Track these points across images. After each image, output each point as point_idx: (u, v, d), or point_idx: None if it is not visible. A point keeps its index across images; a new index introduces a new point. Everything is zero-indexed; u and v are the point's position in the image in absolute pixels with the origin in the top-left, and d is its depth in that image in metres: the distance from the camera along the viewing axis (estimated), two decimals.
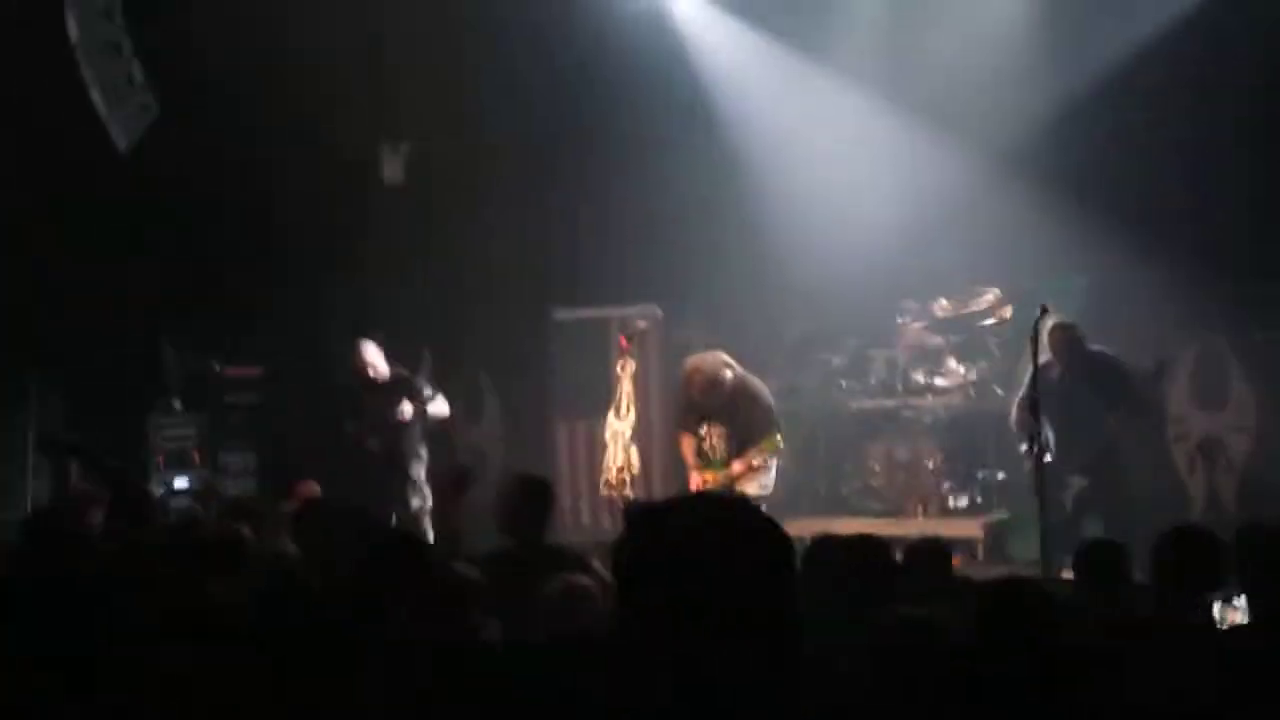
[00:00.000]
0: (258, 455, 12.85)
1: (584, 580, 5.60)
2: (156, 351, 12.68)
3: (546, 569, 6.14)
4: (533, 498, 7.25)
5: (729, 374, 10.13)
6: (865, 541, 5.34)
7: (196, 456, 12.59)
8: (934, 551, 6.07)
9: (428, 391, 11.36)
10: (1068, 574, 6.85)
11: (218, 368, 12.91)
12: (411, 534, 6.15)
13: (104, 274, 11.70)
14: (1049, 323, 9.78)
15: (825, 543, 5.24)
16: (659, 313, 12.75)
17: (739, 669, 2.19)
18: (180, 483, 12.31)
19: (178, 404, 12.69)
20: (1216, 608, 4.83)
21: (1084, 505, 10.22)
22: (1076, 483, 10.12)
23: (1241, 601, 4.78)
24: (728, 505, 2.35)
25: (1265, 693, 4.35)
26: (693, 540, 2.23)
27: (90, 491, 9.23)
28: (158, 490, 11.86)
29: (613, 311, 12.99)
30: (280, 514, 7.84)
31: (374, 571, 5.46)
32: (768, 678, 2.21)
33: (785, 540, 2.30)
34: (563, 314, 13.39)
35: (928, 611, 4.05)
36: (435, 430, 11.59)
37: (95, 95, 11.15)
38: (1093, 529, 9.85)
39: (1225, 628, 4.79)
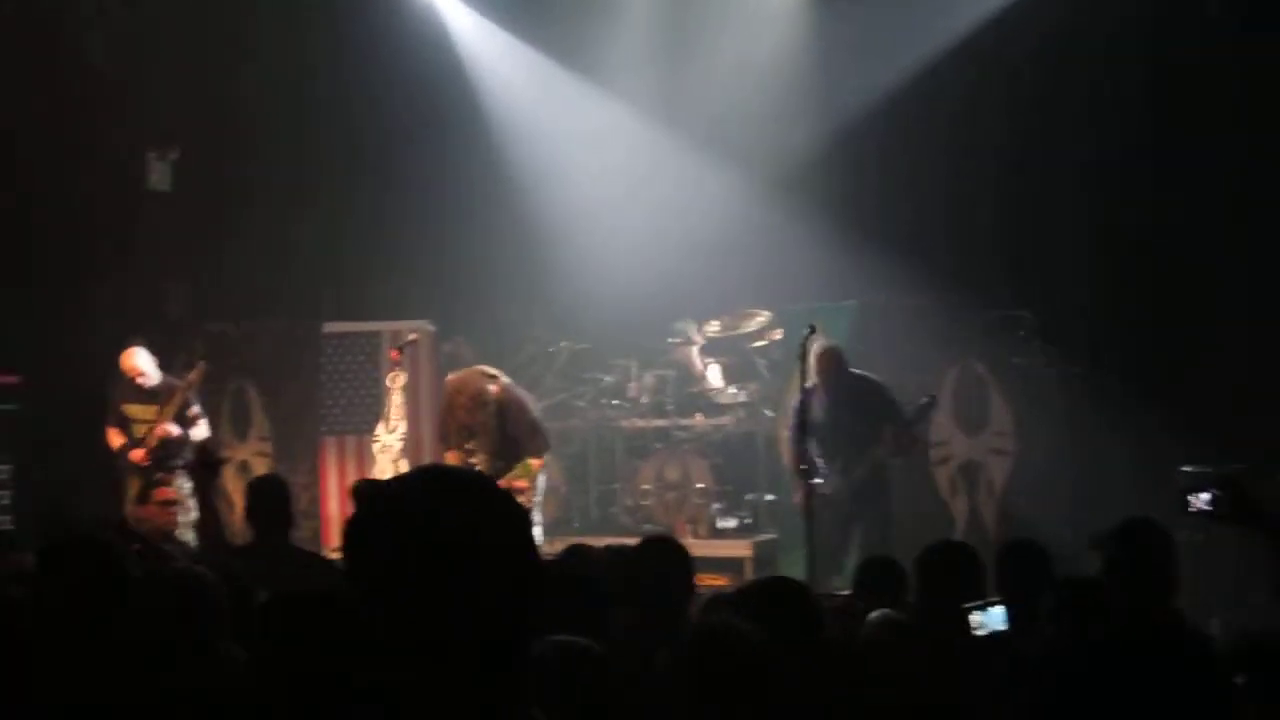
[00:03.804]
0: (15, 465, 12.39)
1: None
2: None
3: (282, 567, 6.42)
4: (267, 497, 7.38)
5: (492, 388, 10.10)
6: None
7: None
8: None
9: (196, 409, 11.05)
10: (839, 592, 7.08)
11: None
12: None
13: None
14: (816, 344, 9.93)
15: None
16: (430, 327, 12.66)
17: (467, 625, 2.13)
18: None
19: None
20: (975, 615, 5.02)
21: (849, 526, 10.35)
22: (842, 503, 10.24)
23: (998, 610, 5.04)
24: (457, 476, 2.29)
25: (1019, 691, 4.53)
26: (417, 507, 2.17)
27: None
28: None
29: (383, 325, 12.89)
30: None
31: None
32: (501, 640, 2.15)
33: (519, 512, 2.25)
34: (333, 326, 13.20)
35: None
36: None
37: None
38: (857, 549, 10.00)
39: (982, 633, 5.02)
